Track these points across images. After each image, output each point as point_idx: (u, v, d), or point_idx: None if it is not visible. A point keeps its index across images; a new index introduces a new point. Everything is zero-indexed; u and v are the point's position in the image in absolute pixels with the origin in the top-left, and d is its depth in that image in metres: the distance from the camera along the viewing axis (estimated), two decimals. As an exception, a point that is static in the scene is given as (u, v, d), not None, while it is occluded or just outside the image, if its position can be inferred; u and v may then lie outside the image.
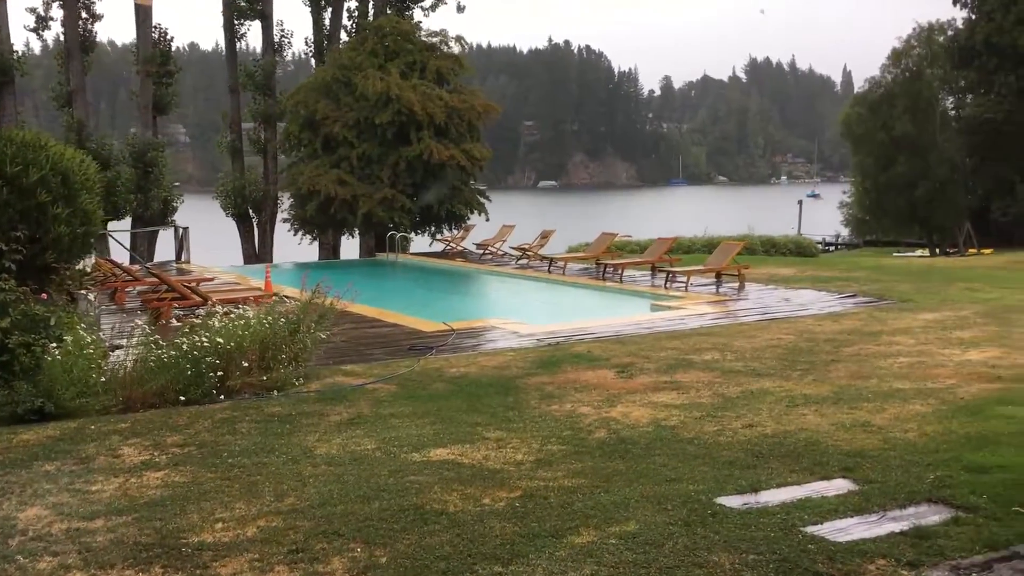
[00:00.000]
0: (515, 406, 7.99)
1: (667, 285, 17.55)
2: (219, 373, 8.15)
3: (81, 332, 7.77)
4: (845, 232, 56.01)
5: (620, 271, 19.12)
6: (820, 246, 53.14)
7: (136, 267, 17.55)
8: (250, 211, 33.46)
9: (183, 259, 23.35)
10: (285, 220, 29.72)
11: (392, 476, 5.83)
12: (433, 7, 33.41)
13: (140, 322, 8.35)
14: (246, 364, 8.33)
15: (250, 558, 4.45)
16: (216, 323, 8.59)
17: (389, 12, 31.16)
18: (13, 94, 28.20)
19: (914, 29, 42.11)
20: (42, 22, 32.23)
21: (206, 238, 41.74)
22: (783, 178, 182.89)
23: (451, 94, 26.71)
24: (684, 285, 17.30)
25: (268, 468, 6.04)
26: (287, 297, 16.28)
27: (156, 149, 30.88)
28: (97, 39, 32.66)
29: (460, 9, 33.83)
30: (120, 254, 27.04)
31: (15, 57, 27.95)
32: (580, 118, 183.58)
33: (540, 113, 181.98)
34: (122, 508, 5.22)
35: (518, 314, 16.02)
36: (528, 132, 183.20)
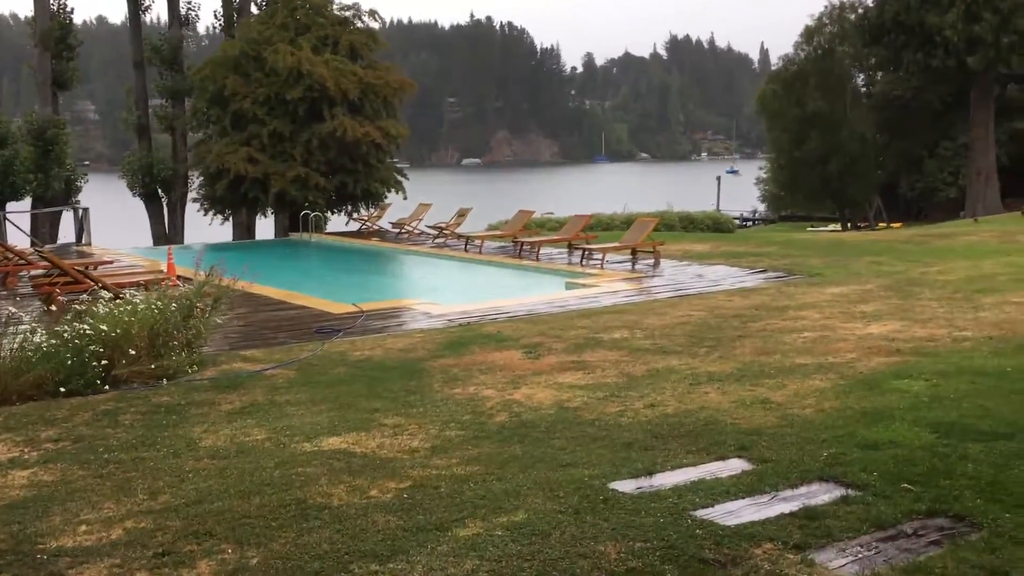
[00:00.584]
0: (417, 390, 7.78)
1: (583, 263, 17.50)
2: (103, 362, 7.73)
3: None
4: (762, 208, 57.11)
5: (536, 249, 18.99)
6: (738, 222, 54.04)
7: (29, 250, 16.73)
8: (159, 191, 32.44)
9: (84, 241, 22.42)
10: (195, 200, 28.80)
11: (278, 468, 5.57)
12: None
13: (11, 308, 7.85)
14: (133, 352, 7.92)
15: (110, 564, 4.15)
16: (101, 309, 8.14)
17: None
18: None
19: (826, 7, 42.87)
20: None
21: (115, 219, 40.41)
22: (704, 155, 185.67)
23: (365, 69, 26.16)
24: (600, 263, 17.26)
25: (146, 463, 5.72)
26: (188, 279, 15.84)
27: (56, 127, 29.64)
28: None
29: (374, -18, 33.12)
30: (19, 237, 25.89)
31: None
32: (503, 95, 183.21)
33: (463, 90, 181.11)
34: (-23, 513, 4.85)
35: (431, 294, 15.78)
36: (451, 109, 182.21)
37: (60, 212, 29.27)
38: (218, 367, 8.76)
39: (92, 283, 12.78)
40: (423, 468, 5.53)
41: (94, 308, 8.29)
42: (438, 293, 16.23)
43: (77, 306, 8.66)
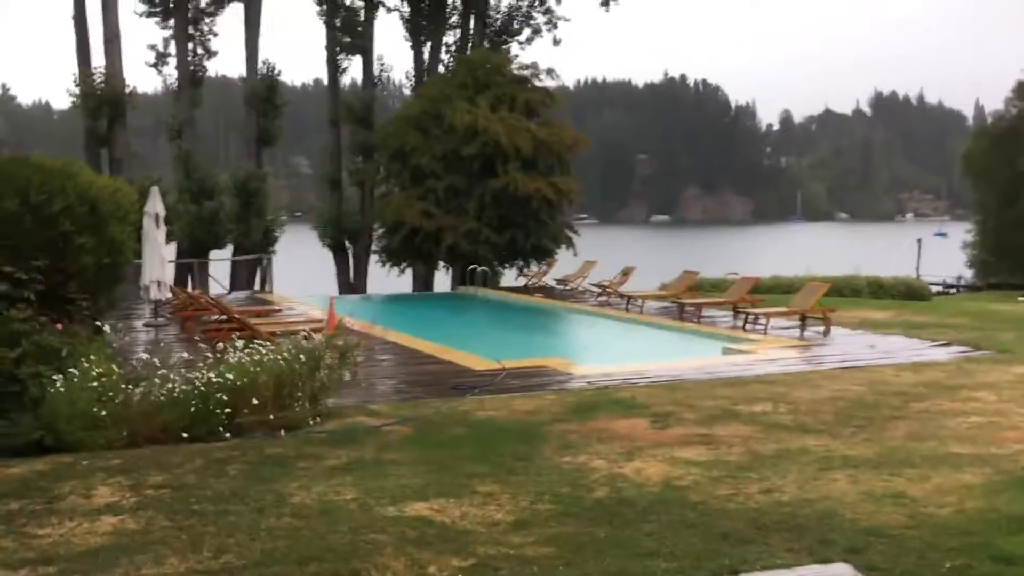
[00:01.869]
0: (526, 456, 7.50)
1: (745, 327, 16.69)
2: (227, 410, 7.95)
3: (87, 364, 7.70)
4: (969, 274, 53.02)
5: (698, 311, 18.31)
6: (939, 289, 50.39)
7: (204, 295, 17.81)
8: (346, 242, 34.00)
9: (267, 288, 23.71)
10: (374, 251, 29.95)
11: (351, 533, 5.44)
12: (529, 40, 33.46)
13: (146, 356, 8.24)
14: (257, 401, 8.11)
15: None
16: (232, 358, 8.42)
17: (486, 45, 31.32)
18: (124, 127, 29.48)
19: (1042, 59, 39.77)
20: (161, 58, 33.82)
21: (308, 268, 42.80)
22: (909, 215, 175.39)
23: (539, 127, 26.47)
24: (764, 328, 16.39)
25: (228, 518, 5.74)
26: (348, 329, 16.32)
27: (258, 180, 31.70)
28: (209, 73, 34.06)
29: (556, 43, 33.73)
30: (217, 283, 27.78)
31: (127, 92, 29.23)
32: (695, 152, 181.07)
33: (654, 147, 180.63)
34: (53, 557, 5.00)
35: (580, 354, 15.49)
36: (642, 165, 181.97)
37: (257, 260, 31.22)
38: (341, 420, 8.83)
39: (257, 329, 13.40)
40: (494, 545, 5.23)
41: (228, 357, 8.58)
42: (587, 353, 15.92)
43: (218, 353, 8.99)
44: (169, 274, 18.59)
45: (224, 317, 13.97)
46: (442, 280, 32.72)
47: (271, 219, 33.14)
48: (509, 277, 28.58)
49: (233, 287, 29.50)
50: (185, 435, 7.74)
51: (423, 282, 32.00)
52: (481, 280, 24.18)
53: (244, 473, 6.86)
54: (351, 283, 33.89)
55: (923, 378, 11.22)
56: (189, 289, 24.14)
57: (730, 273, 36.69)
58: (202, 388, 7.95)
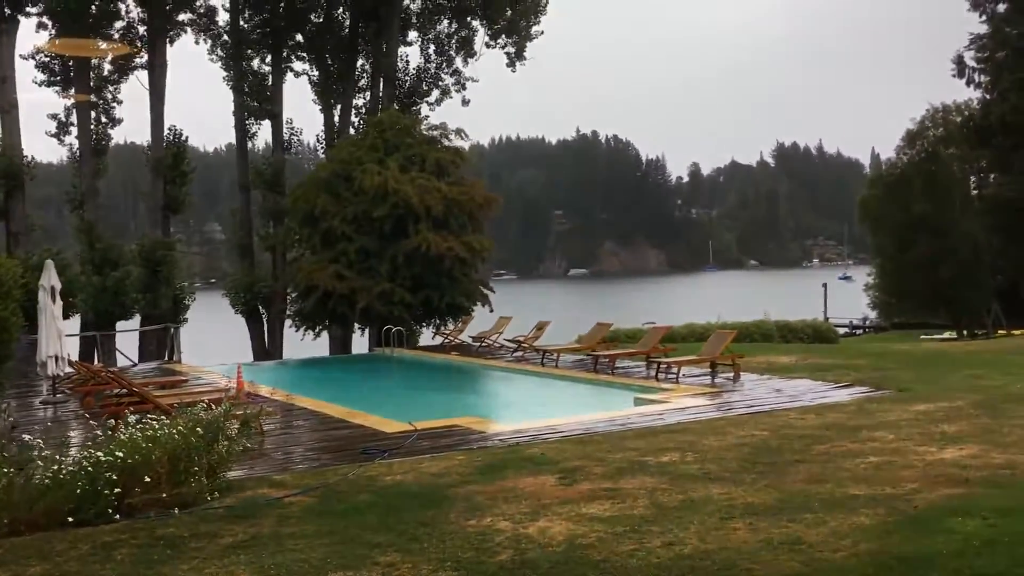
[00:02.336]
0: (431, 521, 7.36)
1: (658, 377, 16.88)
2: (117, 490, 7.61)
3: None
4: (873, 315, 54.80)
5: (611, 363, 18.46)
6: (846, 331, 51.96)
7: (103, 368, 17.21)
8: (259, 308, 33.42)
9: (174, 358, 23.07)
10: (288, 316, 29.49)
11: (241, 615, 5.22)
12: (438, 101, 33.85)
13: (27, 437, 7.87)
14: (149, 479, 7.79)
15: None
16: (121, 434, 8.10)
17: (395, 107, 31.50)
18: (22, 199, 28.65)
19: (927, 110, 41.82)
20: (63, 127, 33.03)
21: (220, 336, 41.86)
22: (815, 261, 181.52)
23: (450, 186, 26.62)
24: (675, 376, 16.60)
25: (110, 605, 5.46)
26: (260, 396, 15.93)
27: (165, 248, 31.02)
28: (118, 140, 33.39)
29: (465, 103, 34.21)
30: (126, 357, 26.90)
31: (25, 163, 28.44)
32: (610, 206, 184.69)
33: (570, 202, 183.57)
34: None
35: (495, 410, 15.44)
36: (558, 221, 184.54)
37: (164, 329, 30.38)
38: (241, 494, 8.54)
39: (158, 403, 12.97)
40: (391, 618, 5.09)
41: (118, 434, 8.24)
42: (502, 410, 15.88)
43: (107, 429, 8.64)
44: (68, 348, 17.91)
45: (125, 391, 13.49)
46: (360, 342, 32.34)
47: (180, 288, 32.40)
48: (427, 336, 28.39)
49: (142, 359, 28.61)
50: (71, 519, 7.36)
51: (340, 344, 31.59)
52: (397, 340, 23.98)
53: (132, 558, 6.55)
54: (266, 349, 33.26)
55: (825, 420, 11.47)
56: (95, 363, 23.35)
57: (647, 323, 37.13)
58: (90, 468, 7.61)
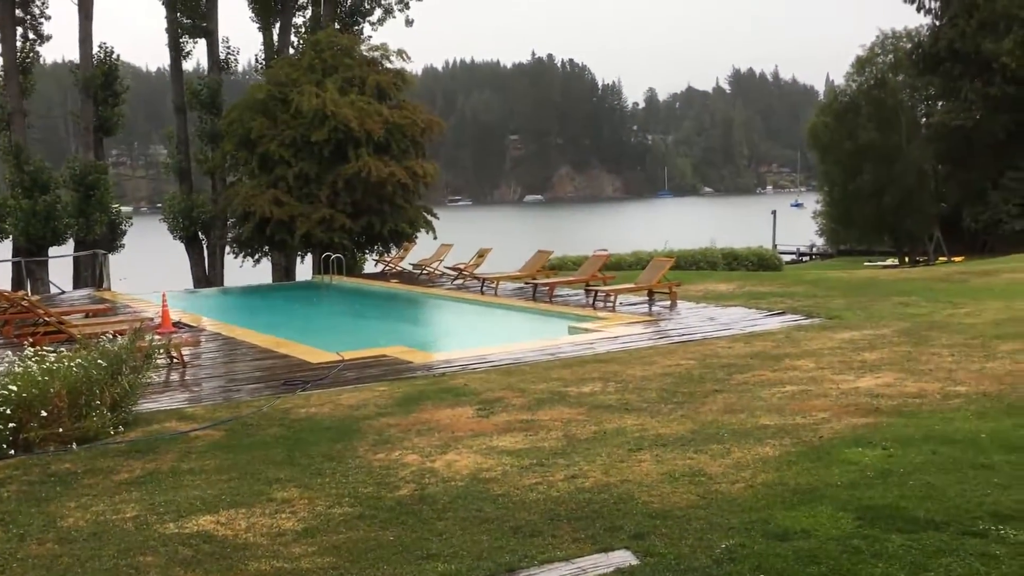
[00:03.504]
0: (338, 455, 7.20)
1: (595, 305, 16.81)
2: (12, 425, 7.33)
3: None
4: (820, 242, 55.49)
5: (550, 291, 18.34)
6: (792, 257, 52.54)
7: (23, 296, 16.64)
8: (199, 234, 32.65)
9: (104, 286, 22.49)
10: (227, 243, 28.88)
11: (117, 557, 5.03)
12: (380, 21, 32.80)
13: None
14: (45, 414, 7.51)
15: None
16: (17, 367, 7.78)
17: (336, 27, 30.47)
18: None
19: (877, 36, 41.67)
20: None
21: (161, 262, 41.02)
22: (769, 188, 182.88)
23: (392, 110, 25.98)
24: (612, 305, 16.54)
25: (-17, 547, 5.24)
26: (187, 326, 15.59)
27: (98, 172, 30.02)
28: (58, 59, 31.90)
29: (408, 23, 33.17)
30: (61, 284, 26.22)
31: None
32: (565, 132, 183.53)
33: (525, 127, 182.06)
34: None
35: (429, 340, 15.27)
36: (513, 146, 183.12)
37: (92, 255, 29.62)
38: (147, 427, 8.31)
39: (71, 332, 12.59)
40: (272, 559, 4.93)
41: (14, 367, 7.93)
42: (436, 339, 15.72)
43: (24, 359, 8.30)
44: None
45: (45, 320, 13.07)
46: (304, 269, 31.85)
47: (116, 212, 31.51)
48: (371, 265, 28.04)
49: (77, 286, 27.92)
50: (-40, 455, 7.10)
51: (284, 272, 31.11)
52: (337, 268, 23.62)
53: (19, 495, 6.31)
54: (207, 276, 32.62)
55: (752, 349, 11.48)
56: (27, 290, 22.70)
57: (598, 250, 37.07)
58: (-20, 402, 7.31)
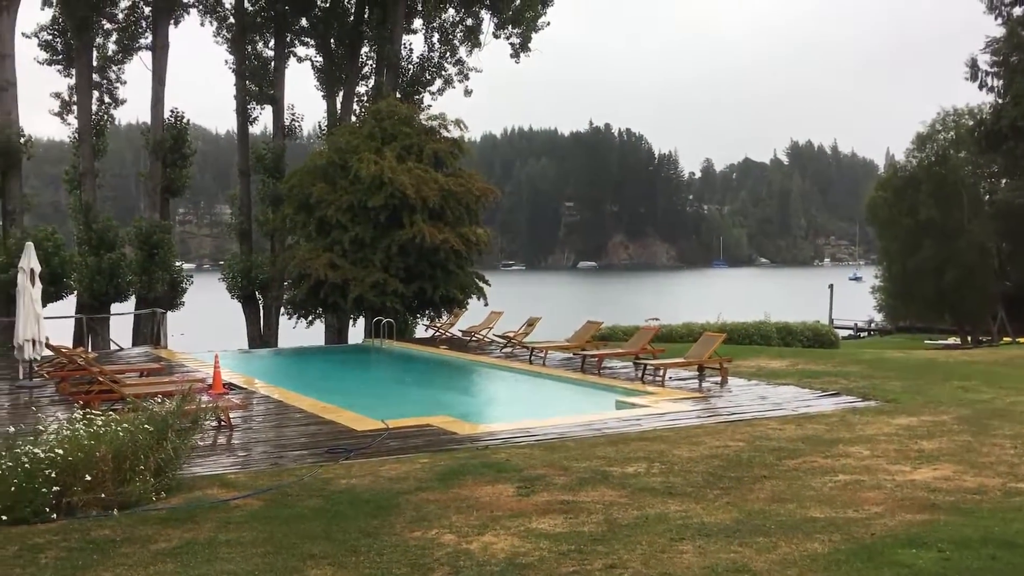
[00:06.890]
0: (374, 532, 7.12)
1: (643, 378, 16.60)
2: (55, 488, 7.40)
3: None
4: (879, 317, 54.36)
5: (600, 362, 18.18)
6: (850, 333, 51.55)
7: (82, 352, 17.01)
8: (256, 293, 33.21)
9: (161, 344, 22.91)
10: (282, 303, 29.31)
11: (146, 632, 4.99)
12: (440, 91, 33.53)
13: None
14: (89, 478, 7.57)
15: None
16: (64, 430, 7.88)
17: (398, 96, 31.18)
18: (19, 176, 28.41)
19: (939, 113, 41.28)
20: (66, 107, 32.81)
21: (217, 321, 41.69)
22: (827, 260, 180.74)
23: (447, 177, 26.35)
24: (661, 380, 16.31)
25: (14, 616, 5.25)
26: (237, 388, 15.72)
27: (162, 231, 30.85)
28: (130, 120, 33.14)
29: (467, 93, 33.87)
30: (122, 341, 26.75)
31: (23, 141, 28.24)
32: (620, 199, 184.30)
33: (580, 194, 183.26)
34: None
35: (474, 409, 15.18)
36: (568, 213, 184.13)
37: (151, 314, 30.22)
38: (189, 494, 8.33)
39: (123, 392, 12.77)
40: (299, 642, 4.85)
41: (62, 430, 8.03)
42: (481, 409, 15.63)
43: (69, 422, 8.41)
44: (49, 331, 17.73)
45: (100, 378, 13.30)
46: (357, 332, 32.10)
47: (178, 270, 32.22)
48: (422, 329, 28.15)
49: (137, 342, 28.48)
50: (4, 517, 7.15)
51: (336, 333, 31.41)
52: (387, 332, 23.76)
53: (56, 562, 6.33)
54: (262, 336, 33.09)
55: (804, 432, 11.18)
56: (87, 346, 23.18)
57: (650, 319, 36.81)
58: (27, 464, 7.39)
